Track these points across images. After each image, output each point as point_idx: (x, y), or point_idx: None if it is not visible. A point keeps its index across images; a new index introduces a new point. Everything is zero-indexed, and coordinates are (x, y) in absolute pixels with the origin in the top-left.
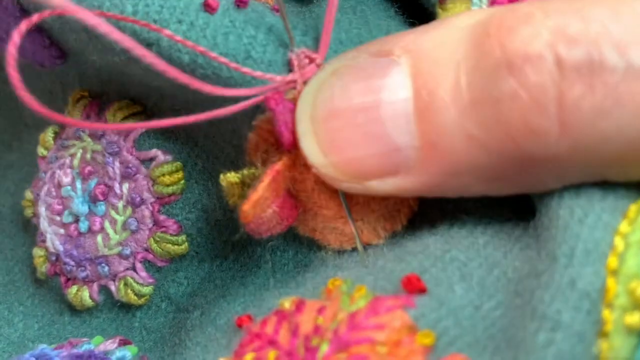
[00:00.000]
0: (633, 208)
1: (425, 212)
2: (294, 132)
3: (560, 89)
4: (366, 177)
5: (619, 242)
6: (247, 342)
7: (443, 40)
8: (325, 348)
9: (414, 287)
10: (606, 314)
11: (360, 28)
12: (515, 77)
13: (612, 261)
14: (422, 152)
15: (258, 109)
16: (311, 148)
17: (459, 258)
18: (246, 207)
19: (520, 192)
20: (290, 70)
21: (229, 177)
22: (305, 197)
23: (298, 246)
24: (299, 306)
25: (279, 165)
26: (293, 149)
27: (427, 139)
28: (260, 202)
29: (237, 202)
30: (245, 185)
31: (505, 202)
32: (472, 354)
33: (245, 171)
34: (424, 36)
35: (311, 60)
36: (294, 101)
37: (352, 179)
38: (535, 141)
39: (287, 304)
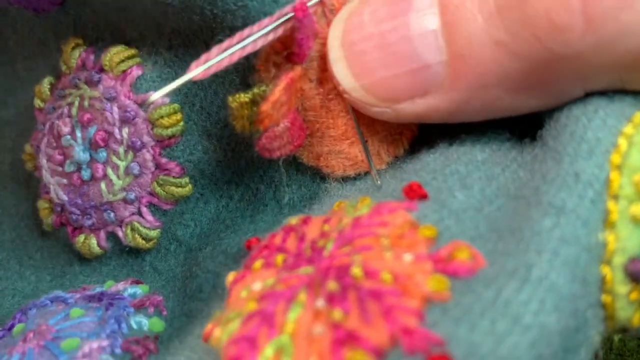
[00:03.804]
0: (639, 114)
1: (424, 136)
2: (310, 46)
3: None
4: (397, 98)
5: (622, 142)
6: (256, 254)
7: None
8: (330, 246)
9: (415, 193)
10: (611, 204)
11: None
12: None
13: (616, 157)
14: (451, 66)
15: None
16: (343, 73)
17: (459, 170)
18: (265, 107)
19: (544, 106)
20: None
21: (240, 97)
22: (313, 116)
23: (301, 180)
24: (306, 220)
25: (293, 73)
26: (305, 62)
27: (455, 51)
28: (277, 104)
29: (246, 125)
30: (255, 105)
31: (503, 124)
32: (476, 245)
33: (255, 89)
34: None
35: None
36: (317, 16)
37: (382, 102)
38: (561, 39)
39: (294, 220)
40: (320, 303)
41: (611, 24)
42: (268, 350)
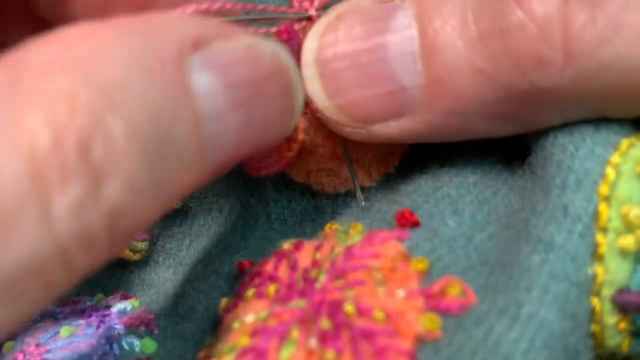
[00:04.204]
0: (625, 142)
1: (416, 154)
2: (297, 64)
3: (565, 19)
4: (370, 120)
5: (610, 172)
6: (248, 281)
7: None
8: (323, 277)
9: (407, 220)
10: (600, 237)
11: None
12: (523, 8)
13: (604, 188)
14: (428, 90)
15: None
16: (316, 91)
17: (451, 194)
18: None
19: (520, 131)
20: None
21: None
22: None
23: (291, 195)
24: (298, 246)
25: None
26: None
27: (433, 76)
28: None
29: None
30: None
31: (494, 145)
32: (466, 278)
33: None
34: None
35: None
36: (304, 34)
37: (356, 122)
38: (542, 71)
39: (286, 245)
40: (313, 343)
41: (591, 60)
42: None
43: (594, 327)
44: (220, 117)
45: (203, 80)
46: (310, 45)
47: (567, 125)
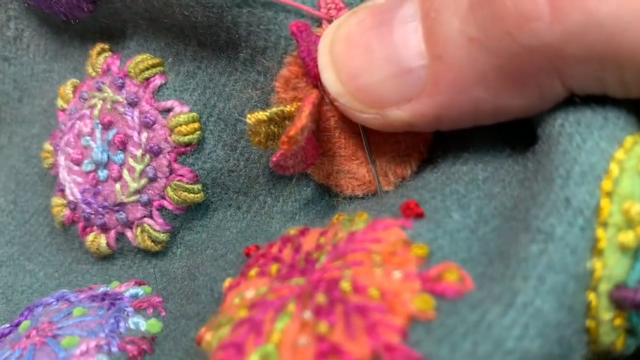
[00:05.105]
0: (629, 139)
1: (430, 152)
2: (317, 63)
3: None
4: (382, 104)
5: (614, 167)
6: (253, 262)
7: None
8: (323, 258)
9: (412, 211)
10: (600, 232)
11: None
12: None
13: (607, 184)
14: (431, 68)
15: (287, 51)
16: (330, 79)
17: (459, 191)
18: (293, 132)
19: (531, 105)
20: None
21: (257, 115)
22: (327, 137)
23: (309, 196)
24: (304, 232)
25: (312, 97)
26: (319, 82)
27: (434, 53)
28: (304, 129)
29: (262, 141)
30: (272, 124)
31: (507, 138)
32: (466, 268)
33: (274, 109)
34: None
35: (337, 8)
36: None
37: (369, 107)
38: (529, 29)
39: (292, 230)
40: (307, 315)
41: (578, 14)
42: (253, 358)
43: (589, 323)
44: None
45: None
46: (326, 38)
47: (575, 114)
